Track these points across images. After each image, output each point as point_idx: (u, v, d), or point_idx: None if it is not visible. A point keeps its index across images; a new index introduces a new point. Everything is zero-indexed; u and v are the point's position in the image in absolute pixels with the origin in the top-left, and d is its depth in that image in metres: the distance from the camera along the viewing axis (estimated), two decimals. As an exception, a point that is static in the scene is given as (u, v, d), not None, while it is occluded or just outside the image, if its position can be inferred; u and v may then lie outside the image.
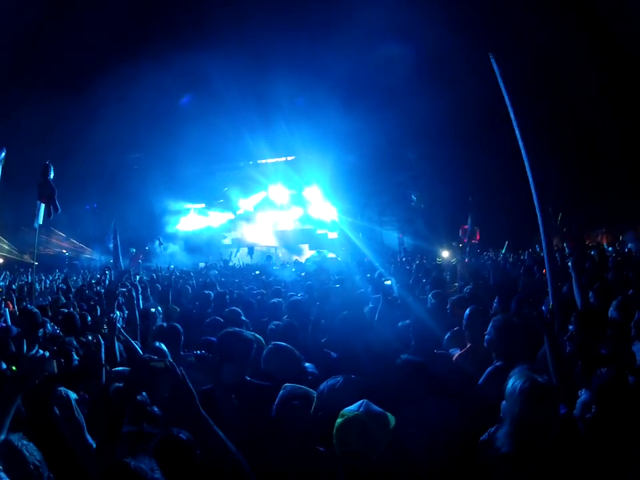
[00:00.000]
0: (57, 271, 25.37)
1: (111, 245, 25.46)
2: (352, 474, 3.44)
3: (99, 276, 20.03)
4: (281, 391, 4.18)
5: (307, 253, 33.57)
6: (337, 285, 11.69)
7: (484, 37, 22.03)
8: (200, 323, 8.00)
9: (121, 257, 25.31)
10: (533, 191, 6.52)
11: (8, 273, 21.98)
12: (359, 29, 27.64)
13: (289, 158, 38.46)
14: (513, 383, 3.66)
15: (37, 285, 16.01)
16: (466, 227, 29.03)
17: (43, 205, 15.10)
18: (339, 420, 3.54)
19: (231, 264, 27.06)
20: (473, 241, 27.70)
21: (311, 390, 4.26)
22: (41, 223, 16.14)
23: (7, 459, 3.08)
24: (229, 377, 4.66)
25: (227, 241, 39.23)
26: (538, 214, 6.55)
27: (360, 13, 27.50)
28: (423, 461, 3.93)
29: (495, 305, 8.12)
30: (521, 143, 6.54)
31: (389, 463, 3.51)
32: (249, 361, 4.86)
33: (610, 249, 20.34)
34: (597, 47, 25.17)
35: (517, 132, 6.56)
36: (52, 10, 26.42)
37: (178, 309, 10.87)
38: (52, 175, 15.04)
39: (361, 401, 3.61)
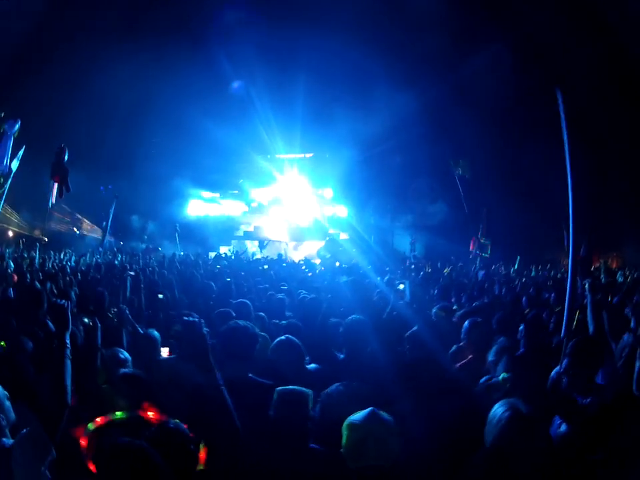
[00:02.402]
0: (67, 249, 25.37)
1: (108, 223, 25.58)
2: None
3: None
4: (276, 392, 4.22)
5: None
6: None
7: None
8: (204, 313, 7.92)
9: (107, 236, 25.34)
10: (570, 213, 6.53)
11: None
12: (381, 30, 27.65)
13: (307, 155, 38.48)
14: (495, 409, 3.62)
15: (48, 263, 16.05)
16: (479, 238, 28.98)
17: (56, 185, 15.33)
18: (350, 433, 3.59)
19: (243, 257, 27.01)
20: (482, 254, 27.63)
21: (307, 390, 4.27)
22: (54, 202, 16.36)
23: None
24: (231, 372, 4.61)
25: (239, 233, 39.15)
26: (570, 236, 6.55)
27: (382, 9, 27.47)
28: (432, 462, 3.93)
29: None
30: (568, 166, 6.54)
31: (400, 468, 3.57)
32: (252, 357, 4.86)
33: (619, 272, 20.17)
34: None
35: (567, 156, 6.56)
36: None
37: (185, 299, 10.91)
38: (66, 158, 15.26)
39: (369, 410, 3.65)
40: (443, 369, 5.17)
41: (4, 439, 3.60)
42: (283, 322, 7.59)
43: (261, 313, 7.91)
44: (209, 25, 28.79)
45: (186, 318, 4.19)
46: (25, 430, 3.30)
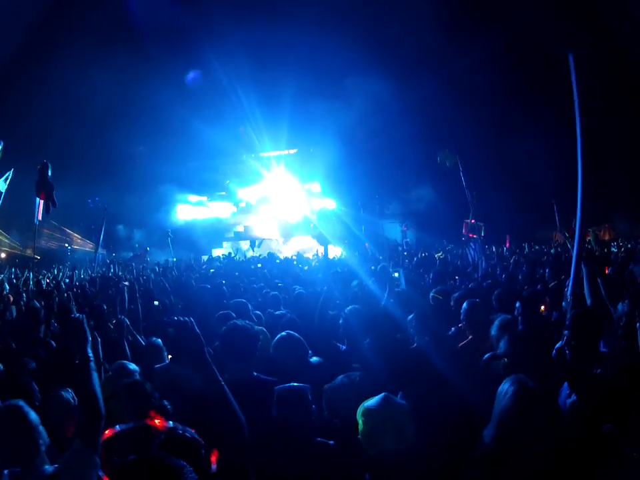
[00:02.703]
0: (60, 266, 25.34)
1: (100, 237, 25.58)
2: (381, 469, 3.52)
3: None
4: (275, 391, 4.24)
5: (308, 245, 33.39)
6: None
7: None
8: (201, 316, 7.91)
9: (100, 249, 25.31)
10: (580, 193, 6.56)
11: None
12: (362, 24, 27.66)
13: (291, 151, 38.48)
14: (503, 385, 3.65)
15: (43, 281, 16.03)
16: (469, 221, 29.02)
17: (42, 202, 15.33)
18: (366, 419, 3.62)
19: (237, 258, 27.00)
20: (474, 236, 27.66)
21: (305, 385, 4.29)
22: (40, 219, 16.34)
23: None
24: (234, 373, 4.61)
25: (230, 235, 39.17)
26: (578, 213, 6.59)
27: (362, 6, 27.49)
28: (444, 444, 3.90)
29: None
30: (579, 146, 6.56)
31: (416, 451, 3.61)
32: (255, 356, 4.85)
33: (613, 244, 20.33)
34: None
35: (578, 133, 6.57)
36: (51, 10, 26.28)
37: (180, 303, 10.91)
38: (50, 173, 15.25)
39: (382, 395, 3.69)
40: (447, 352, 5.20)
41: (46, 466, 3.63)
42: (278, 312, 7.59)
43: (257, 312, 7.92)
44: (190, 26, 28.72)
45: (177, 318, 4.19)
46: (69, 451, 3.33)
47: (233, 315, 6.68)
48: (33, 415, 3.94)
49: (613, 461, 3.48)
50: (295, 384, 4.30)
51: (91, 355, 3.87)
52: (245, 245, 35.27)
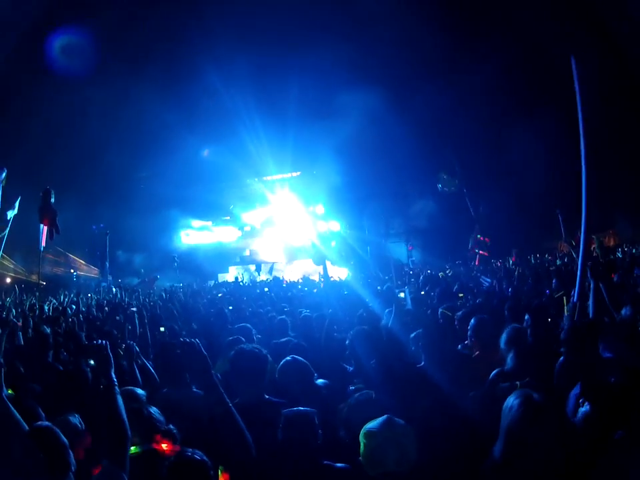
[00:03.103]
0: (65, 291, 25.32)
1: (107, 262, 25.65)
2: None
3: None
4: (282, 415, 4.21)
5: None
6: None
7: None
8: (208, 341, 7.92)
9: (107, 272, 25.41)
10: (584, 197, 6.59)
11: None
12: (364, 47, 27.81)
13: (295, 174, 38.58)
14: (507, 400, 3.66)
15: (45, 305, 16.04)
16: (479, 237, 29.10)
17: (45, 228, 15.44)
18: (367, 441, 3.63)
19: (244, 282, 27.04)
20: (481, 252, 27.75)
21: (311, 410, 4.26)
22: (44, 245, 16.43)
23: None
24: (245, 396, 4.63)
25: (236, 259, 39.23)
26: (583, 220, 6.61)
27: (366, 28, 27.64)
28: (448, 467, 3.89)
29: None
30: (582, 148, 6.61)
31: (419, 473, 3.61)
32: (265, 379, 4.87)
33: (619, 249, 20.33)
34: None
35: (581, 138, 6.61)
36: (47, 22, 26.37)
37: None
38: (53, 199, 15.34)
39: (384, 417, 3.70)
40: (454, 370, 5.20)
41: None
42: (282, 339, 7.60)
43: (259, 336, 7.93)
44: (195, 49, 28.86)
45: (183, 339, 4.23)
46: (100, 472, 3.46)
47: (242, 339, 6.69)
48: (63, 439, 3.98)
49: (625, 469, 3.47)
50: (302, 408, 4.28)
51: (115, 379, 4.00)
52: (252, 268, 35.35)
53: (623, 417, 3.71)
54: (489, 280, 15.40)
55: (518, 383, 4.83)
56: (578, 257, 7.52)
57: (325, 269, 14.27)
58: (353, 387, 5.43)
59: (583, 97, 6.69)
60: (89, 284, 31.38)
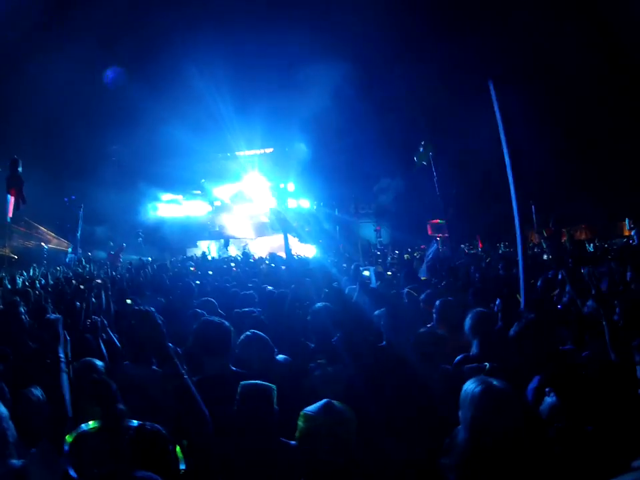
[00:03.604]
0: (35, 265, 25.04)
1: (78, 234, 25.36)
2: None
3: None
4: (240, 386, 4.16)
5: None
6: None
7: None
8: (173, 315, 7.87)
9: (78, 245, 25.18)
10: (512, 186, 6.62)
11: None
12: (336, 26, 27.65)
13: (267, 150, 38.38)
14: (466, 387, 3.53)
15: (18, 279, 15.81)
16: (435, 221, 29.26)
17: (12, 198, 15.16)
18: (303, 425, 3.48)
19: (210, 257, 26.95)
20: (439, 236, 27.90)
21: (271, 384, 4.21)
22: (11, 216, 16.15)
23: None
24: (211, 368, 4.62)
25: (205, 234, 39.04)
26: (514, 209, 6.64)
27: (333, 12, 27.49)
28: (400, 457, 3.91)
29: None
30: (504, 144, 6.65)
31: (359, 466, 3.50)
32: (230, 351, 4.85)
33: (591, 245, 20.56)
34: (590, 44, 25.37)
35: (502, 133, 6.66)
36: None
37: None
38: (20, 169, 15.08)
39: (324, 401, 3.55)
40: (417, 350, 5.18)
41: (13, 460, 3.59)
42: (245, 309, 7.57)
43: (220, 311, 7.91)
44: (164, 26, 28.50)
45: (137, 308, 4.12)
46: (35, 449, 3.34)
47: (204, 313, 6.66)
48: (2, 408, 3.90)
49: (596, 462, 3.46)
50: (261, 382, 4.22)
51: (62, 355, 3.88)
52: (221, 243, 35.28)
53: (591, 411, 3.72)
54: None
55: (487, 364, 4.86)
56: (549, 247, 7.62)
57: (286, 241, 14.21)
58: (314, 364, 5.40)
59: (504, 119, 6.76)
60: (59, 257, 31.04)
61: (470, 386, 3.50)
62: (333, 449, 3.35)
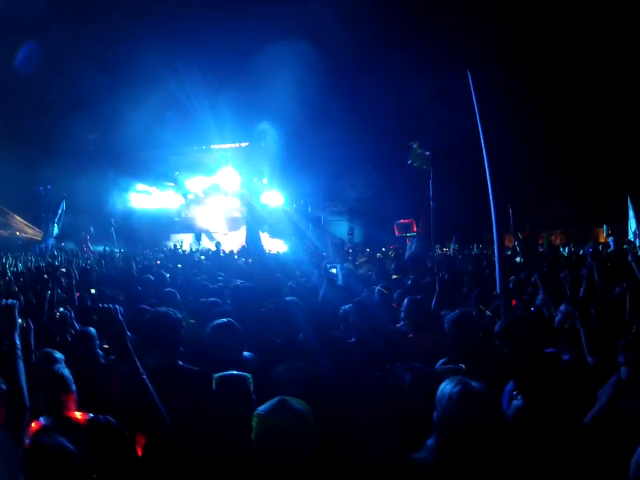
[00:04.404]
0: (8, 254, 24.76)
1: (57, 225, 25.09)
2: None
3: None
4: (215, 379, 4.07)
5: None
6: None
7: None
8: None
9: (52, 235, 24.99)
10: (490, 188, 6.60)
11: None
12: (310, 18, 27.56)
13: (242, 144, 38.27)
14: (443, 388, 3.42)
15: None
16: (403, 220, 29.38)
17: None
18: (257, 425, 3.36)
19: (181, 250, 26.83)
20: (409, 235, 28.06)
21: (246, 374, 4.14)
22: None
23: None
24: (157, 361, 4.53)
25: (176, 227, 38.88)
26: (492, 211, 6.62)
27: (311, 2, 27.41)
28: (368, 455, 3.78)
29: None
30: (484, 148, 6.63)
31: (318, 466, 3.36)
32: (179, 344, 4.78)
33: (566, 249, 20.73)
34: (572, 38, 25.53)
35: (481, 137, 6.64)
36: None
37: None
38: None
39: (277, 399, 3.44)
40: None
41: None
42: (210, 299, 7.51)
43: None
44: (137, 16, 28.28)
45: (101, 305, 4.09)
46: None
47: (149, 309, 6.63)
48: None
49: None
50: (236, 372, 4.14)
51: (18, 342, 3.76)
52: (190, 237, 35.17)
53: (561, 415, 3.67)
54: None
55: (462, 365, 4.77)
56: (522, 250, 7.63)
57: (256, 236, 14.22)
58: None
59: (480, 111, 6.75)
60: (32, 247, 30.82)
61: (447, 386, 3.40)
62: (289, 449, 3.23)
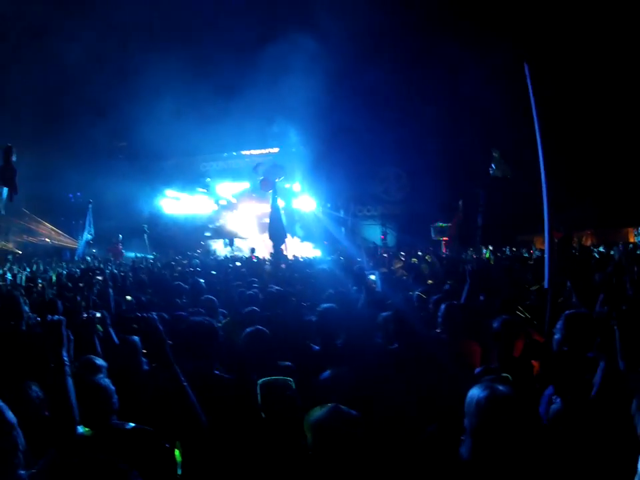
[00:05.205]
0: (39, 260, 24.99)
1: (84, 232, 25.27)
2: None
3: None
4: (260, 382, 4.09)
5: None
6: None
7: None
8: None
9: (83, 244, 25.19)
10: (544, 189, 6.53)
11: None
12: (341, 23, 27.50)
13: (273, 150, 38.39)
14: (472, 393, 3.42)
15: (18, 275, 15.72)
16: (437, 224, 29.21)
17: (6, 190, 14.96)
18: (312, 434, 3.37)
19: (212, 256, 26.93)
20: (444, 239, 27.93)
21: (288, 378, 4.16)
22: (3, 209, 15.96)
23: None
24: (193, 370, 4.47)
25: (208, 233, 39.04)
26: (545, 212, 6.54)
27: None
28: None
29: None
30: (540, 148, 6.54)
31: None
32: (214, 353, 4.78)
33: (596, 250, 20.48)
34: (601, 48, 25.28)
35: (538, 137, 6.55)
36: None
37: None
38: (15, 158, 14.86)
39: (329, 406, 3.43)
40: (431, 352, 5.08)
41: (21, 471, 3.48)
42: (249, 308, 7.51)
43: (223, 310, 7.85)
44: (168, 25, 28.53)
45: (140, 314, 4.09)
46: (44, 459, 3.18)
47: (202, 311, 6.61)
48: (10, 415, 3.76)
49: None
50: (278, 377, 4.22)
51: (66, 359, 3.73)
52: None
53: (596, 419, 3.61)
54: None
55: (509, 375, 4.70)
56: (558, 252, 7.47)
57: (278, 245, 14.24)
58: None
59: (538, 106, 6.64)
60: (63, 253, 31.07)
61: (475, 392, 3.40)
62: (344, 451, 3.24)
